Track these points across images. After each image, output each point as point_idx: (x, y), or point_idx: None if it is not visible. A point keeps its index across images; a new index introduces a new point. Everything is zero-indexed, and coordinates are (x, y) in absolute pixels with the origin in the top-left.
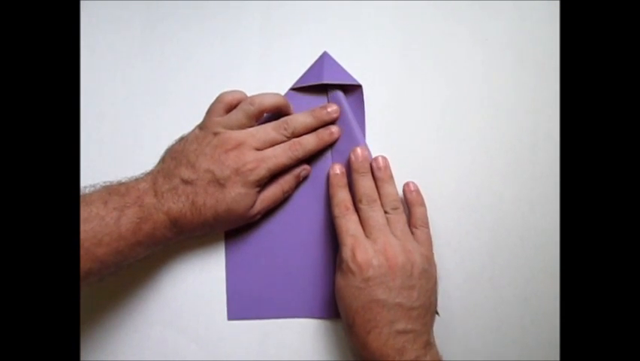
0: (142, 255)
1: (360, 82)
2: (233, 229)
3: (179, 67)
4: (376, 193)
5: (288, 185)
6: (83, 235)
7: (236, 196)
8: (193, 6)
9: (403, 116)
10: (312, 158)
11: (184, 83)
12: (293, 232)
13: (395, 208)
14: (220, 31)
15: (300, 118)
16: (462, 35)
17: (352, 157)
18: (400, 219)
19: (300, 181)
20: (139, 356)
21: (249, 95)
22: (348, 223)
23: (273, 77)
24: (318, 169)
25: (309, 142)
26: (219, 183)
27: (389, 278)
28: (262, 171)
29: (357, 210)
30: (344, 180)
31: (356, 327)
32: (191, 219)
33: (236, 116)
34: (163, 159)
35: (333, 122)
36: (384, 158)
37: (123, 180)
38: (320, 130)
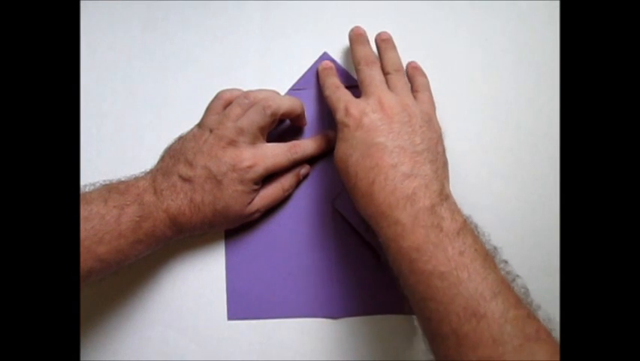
0: (142, 254)
1: None
2: (233, 228)
3: (179, 67)
4: (375, 57)
5: (289, 183)
6: (83, 234)
7: (233, 193)
8: (193, 6)
9: None
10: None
11: (184, 83)
12: (293, 232)
13: (396, 70)
14: (220, 31)
15: (283, 98)
16: (462, 35)
17: (351, 33)
18: (400, 79)
19: (301, 180)
20: (139, 356)
21: None
22: (339, 94)
23: (273, 77)
24: (318, 169)
25: (309, 146)
26: (216, 179)
27: (385, 123)
28: (259, 170)
29: (356, 74)
30: (333, 71)
31: (359, 181)
32: (190, 217)
33: (233, 111)
34: (162, 158)
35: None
36: (387, 32)
37: (123, 179)
38: (318, 137)
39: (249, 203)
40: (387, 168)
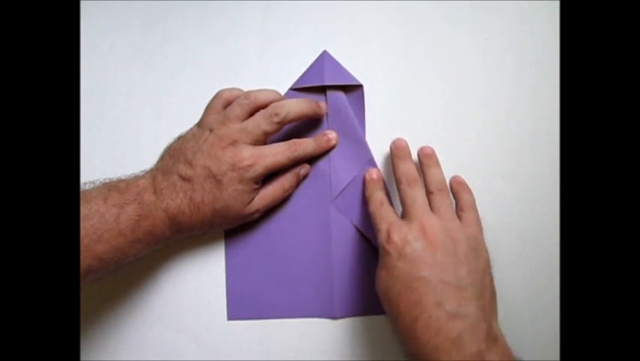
0: (141, 253)
1: (360, 81)
2: (233, 228)
3: (179, 67)
4: (418, 175)
5: (289, 183)
6: (82, 232)
7: (232, 192)
8: (193, 6)
9: (403, 116)
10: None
11: (184, 83)
12: (293, 232)
13: (440, 190)
14: (220, 31)
15: (292, 104)
16: (462, 35)
17: (392, 146)
18: (444, 200)
19: (301, 180)
20: (139, 356)
21: None
22: (382, 213)
23: (273, 77)
24: (318, 169)
25: (309, 145)
26: (216, 179)
27: (429, 253)
28: (259, 169)
29: (398, 194)
30: (380, 184)
31: (401, 315)
32: (189, 216)
33: (233, 111)
34: (162, 157)
35: (321, 115)
36: (430, 147)
37: (123, 177)
38: (318, 137)
39: (249, 203)
40: (431, 307)
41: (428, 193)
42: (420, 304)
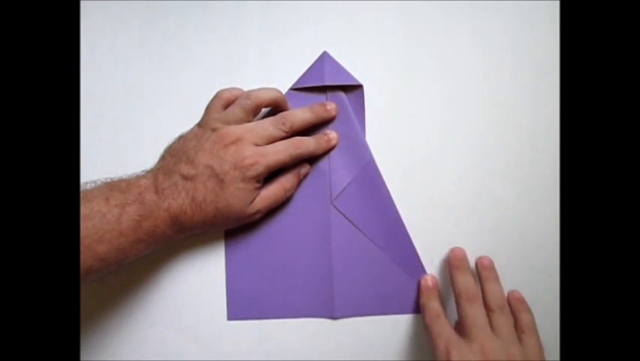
0: (143, 253)
1: (360, 81)
2: (233, 228)
3: (179, 67)
4: (477, 290)
5: (290, 183)
6: (84, 232)
7: (235, 191)
8: (192, 6)
9: (403, 116)
10: (311, 157)
11: (184, 83)
12: (293, 232)
13: (501, 308)
14: (220, 31)
15: (298, 113)
16: (462, 35)
17: (451, 256)
18: (506, 320)
19: (301, 179)
20: (139, 356)
21: None
22: (440, 327)
23: (273, 77)
24: (318, 169)
25: (310, 144)
26: (218, 178)
27: None
28: (261, 167)
29: (457, 308)
30: (435, 293)
31: None
32: (191, 216)
33: (234, 111)
34: (163, 157)
35: (331, 119)
36: (489, 258)
37: (124, 177)
38: (318, 136)
39: (251, 202)
40: None
41: (488, 310)
42: None
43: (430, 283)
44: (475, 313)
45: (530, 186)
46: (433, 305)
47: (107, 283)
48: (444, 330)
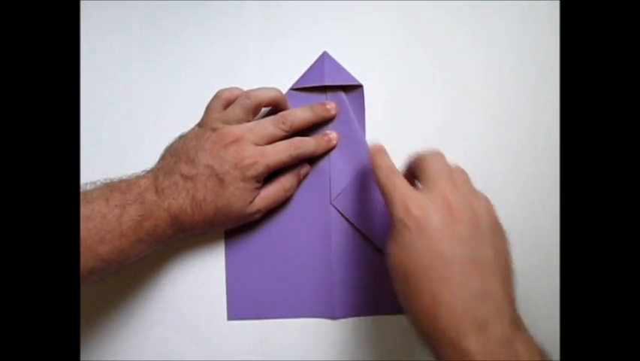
0: (144, 253)
1: (360, 81)
2: (233, 228)
3: (179, 67)
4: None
5: (290, 183)
6: (85, 233)
7: (235, 191)
8: (192, 6)
9: (403, 116)
10: (311, 157)
11: (184, 83)
12: (293, 232)
13: (458, 166)
14: (220, 31)
15: (298, 112)
16: (462, 35)
17: (371, 150)
18: (463, 172)
19: (301, 179)
20: (139, 356)
21: None
22: (396, 181)
23: (273, 77)
24: (318, 169)
25: (311, 144)
26: (219, 177)
27: (452, 229)
28: (261, 167)
29: (418, 162)
30: (386, 154)
31: (420, 296)
32: (191, 216)
33: (234, 111)
34: (163, 157)
35: (331, 118)
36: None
37: (124, 177)
38: (318, 136)
39: (251, 202)
40: (455, 286)
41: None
42: (442, 283)
43: (379, 146)
44: (435, 161)
45: (530, 186)
46: (386, 162)
47: (107, 284)
48: (401, 184)
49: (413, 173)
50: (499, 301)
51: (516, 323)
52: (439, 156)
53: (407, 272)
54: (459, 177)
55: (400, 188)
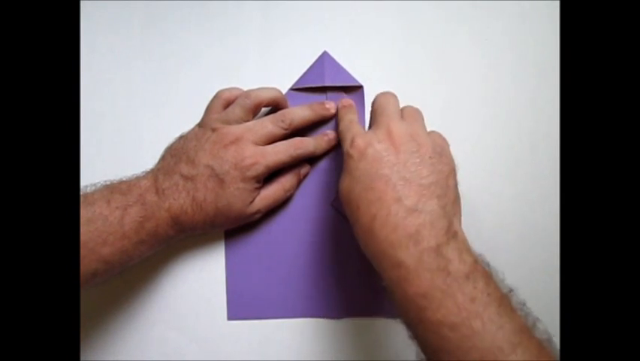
0: (146, 254)
1: (360, 82)
2: (233, 228)
3: (179, 67)
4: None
5: (290, 183)
6: (87, 236)
7: (235, 191)
8: (193, 6)
9: None
10: (311, 157)
11: (184, 83)
12: (293, 232)
13: (412, 105)
14: (220, 31)
15: (297, 111)
16: (462, 35)
17: (339, 105)
18: (416, 111)
19: (301, 179)
20: (139, 356)
21: None
22: (351, 127)
23: (273, 77)
24: (318, 169)
25: (310, 144)
26: (219, 178)
27: (391, 153)
28: (261, 168)
29: (371, 105)
30: (353, 109)
31: (361, 216)
32: (192, 216)
33: (234, 111)
34: (163, 157)
35: (331, 118)
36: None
37: (124, 178)
38: (318, 136)
39: (251, 202)
40: (390, 203)
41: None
42: (379, 201)
43: (346, 102)
44: (387, 102)
45: (530, 185)
46: (348, 117)
47: (107, 284)
48: (353, 128)
49: (371, 117)
50: (433, 215)
51: (451, 232)
52: (388, 95)
53: (351, 196)
54: (408, 114)
55: (351, 128)
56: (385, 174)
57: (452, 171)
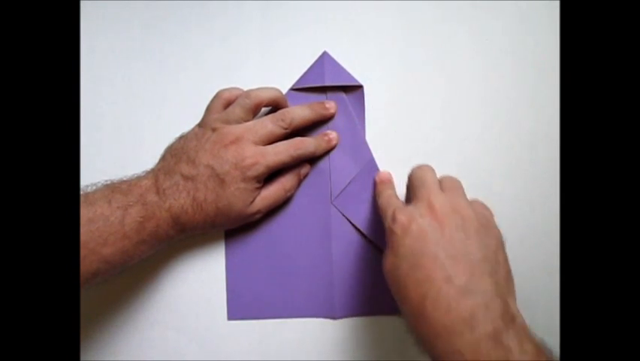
0: (146, 254)
1: (360, 82)
2: (233, 228)
3: (179, 67)
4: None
5: (290, 183)
6: (88, 236)
7: (235, 191)
8: (193, 6)
9: (403, 116)
10: (312, 158)
11: (184, 83)
12: (293, 232)
13: (451, 176)
14: (220, 31)
15: (297, 110)
16: (462, 35)
17: (377, 179)
18: (455, 181)
19: (302, 179)
20: (139, 356)
21: None
22: (391, 202)
23: (273, 77)
24: (318, 169)
25: (311, 144)
26: (219, 177)
27: (435, 229)
28: (261, 168)
29: (408, 179)
30: (391, 185)
31: (409, 295)
32: (192, 216)
33: (234, 110)
34: (163, 157)
35: (330, 117)
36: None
37: (125, 178)
38: (318, 136)
39: (251, 202)
40: (440, 282)
41: (439, 179)
42: (428, 281)
43: (384, 177)
44: (424, 175)
45: (530, 185)
46: (387, 192)
47: (107, 284)
48: (394, 202)
49: (408, 190)
50: (486, 296)
51: (508, 315)
52: (425, 167)
53: (397, 274)
54: (447, 185)
55: (391, 203)
56: (432, 251)
57: (500, 245)
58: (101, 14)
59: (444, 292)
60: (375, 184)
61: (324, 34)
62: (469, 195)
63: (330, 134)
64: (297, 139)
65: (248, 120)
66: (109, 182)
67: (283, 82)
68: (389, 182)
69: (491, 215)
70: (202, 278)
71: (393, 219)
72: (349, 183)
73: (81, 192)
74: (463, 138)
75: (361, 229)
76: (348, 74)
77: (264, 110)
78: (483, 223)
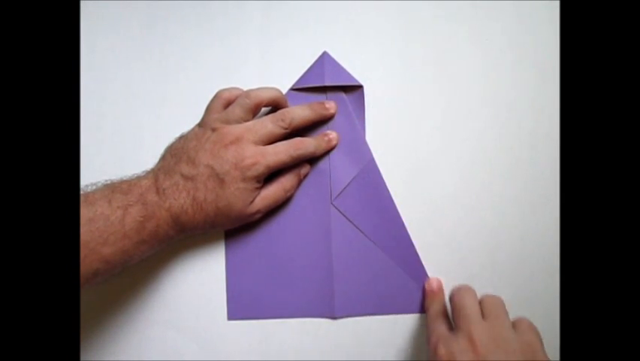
0: (146, 254)
1: (360, 82)
2: (233, 228)
3: (179, 67)
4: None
5: (290, 183)
6: (89, 235)
7: (235, 191)
8: (193, 6)
9: (403, 116)
10: (312, 158)
11: (184, 83)
12: (293, 232)
13: (492, 295)
14: (220, 31)
15: (297, 110)
16: (462, 35)
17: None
18: (497, 303)
19: (302, 179)
20: (139, 356)
21: None
22: (436, 326)
23: (273, 77)
24: (318, 169)
25: (311, 144)
26: (219, 177)
27: None
28: (261, 168)
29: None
30: (440, 296)
31: None
32: (192, 216)
33: (234, 110)
34: (163, 157)
35: (330, 117)
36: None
37: (125, 178)
38: (318, 137)
39: (251, 202)
40: None
41: (480, 300)
42: None
43: (434, 286)
44: (463, 300)
45: (530, 186)
46: (434, 307)
47: (107, 284)
48: (438, 328)
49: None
50: None
51: None
52: (463, 291)
53: None
54: (489, 310)
55: (435, 330)
56: None
57: None
58: (101, 14)
59: None
60: (424, 292)
61: (324, 34)
62: (469, 194)
63: (330, 134)
64: (297, 139)
65: (248, 120)
66: (109, 182)
67: (283, 82)
68: (439, 292)
69: (537, 340)
70: (202, 278)
71: (435, 351)
72: (349, 183)
73: (81, 192)
74: (463, 138)
75: (361, 229)
76: (348, 74)
77: (264, 110)
78: (528, 357)
